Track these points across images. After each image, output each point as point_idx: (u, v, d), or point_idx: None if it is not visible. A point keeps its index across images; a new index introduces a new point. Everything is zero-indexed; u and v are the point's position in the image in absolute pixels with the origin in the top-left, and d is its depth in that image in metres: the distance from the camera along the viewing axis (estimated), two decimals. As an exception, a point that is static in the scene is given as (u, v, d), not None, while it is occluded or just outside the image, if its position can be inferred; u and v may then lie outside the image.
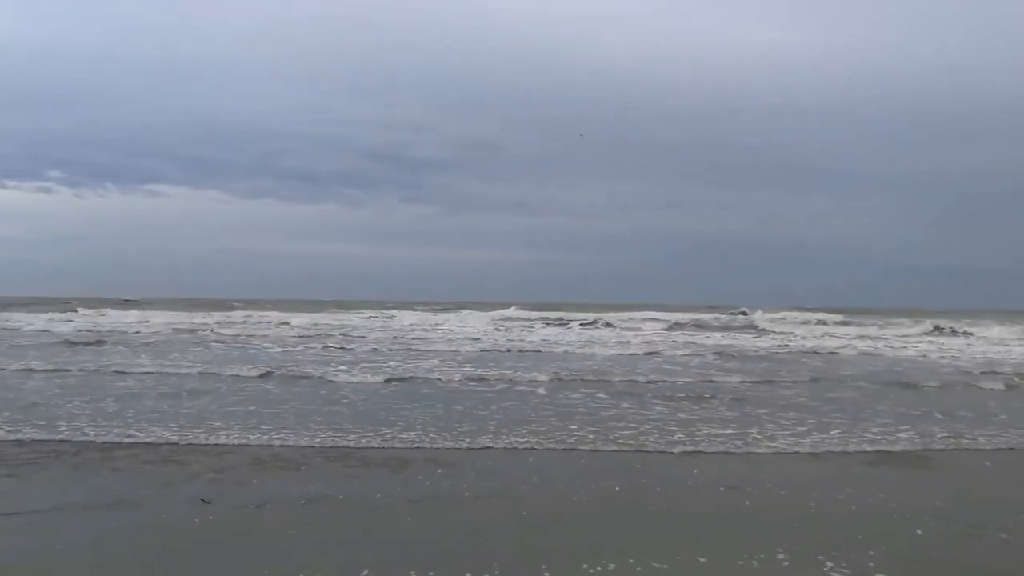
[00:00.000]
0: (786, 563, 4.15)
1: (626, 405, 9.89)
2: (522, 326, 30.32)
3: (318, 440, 7.45)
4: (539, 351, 18.46)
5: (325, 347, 18.60)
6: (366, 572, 3.96)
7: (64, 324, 27.41)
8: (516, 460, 6.79)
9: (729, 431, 8.11)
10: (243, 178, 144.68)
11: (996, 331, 27.24)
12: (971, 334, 26.71)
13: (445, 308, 43.56)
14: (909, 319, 34.58)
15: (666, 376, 13.18)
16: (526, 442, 7.43)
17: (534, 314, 36.39)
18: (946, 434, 8.16)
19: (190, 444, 7.23)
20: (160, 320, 30.00)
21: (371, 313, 36.99)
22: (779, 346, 21.35)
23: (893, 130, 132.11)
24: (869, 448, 7.46)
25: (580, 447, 7.31)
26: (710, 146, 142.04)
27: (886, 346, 21.87)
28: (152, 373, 12.55)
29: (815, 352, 19.47)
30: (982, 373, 14.18)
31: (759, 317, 35.37)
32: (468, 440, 7.51)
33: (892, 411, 9.61)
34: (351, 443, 7.35)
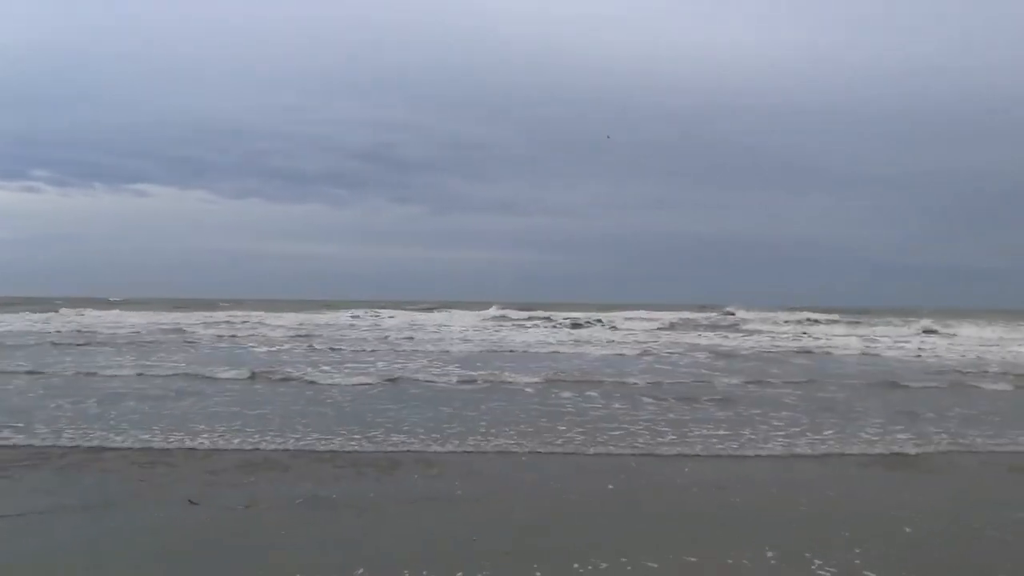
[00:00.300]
0: (774, 561, 4.18)
1: (617, 405, 9.89)
2: (512, 325, 30.32)
3: (306, 441, 7.38)
4: (528, 351, 18.42)
5: (311, 347, 18.46)
6: (361, 571, 3.95)
7: (44, 324, 27.03)
8: (507, 461, 6.78)
9: (721, 432, 8.14)
10: (230, 178, 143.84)
11: (989, 331, 27.59)
12: (954, 335, 27.02)
13: (433, 308, 43.43)
14: (905, 318, 34.90)
15: (657, 376, 13.20)
16: (516, 443, 7.41)
17: (523, 314, 36.37)
18: (937, 435, 8.23)
19: (176, 447, 7.14)
20: (143, 320, 29.70)
21: (358, 313, 36.81)
22: (774, 345, 21.51)
23: (893, 130, 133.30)
24: (858, 450, 7.51)
25: (570, 447, 7.30)
26: (709, 146, 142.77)
27: (879, 346, 22.04)
28: (134, 375, 12.33)
29: (805, 352, 19.60)
30: (973, 373, 14.33)
31: (751, 316, 35.61)
32: (458, 441, 7.47)
33: (881, 411, 9.68)
34: (339, 444, 7.29)
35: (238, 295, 69.26)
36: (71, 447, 7.05)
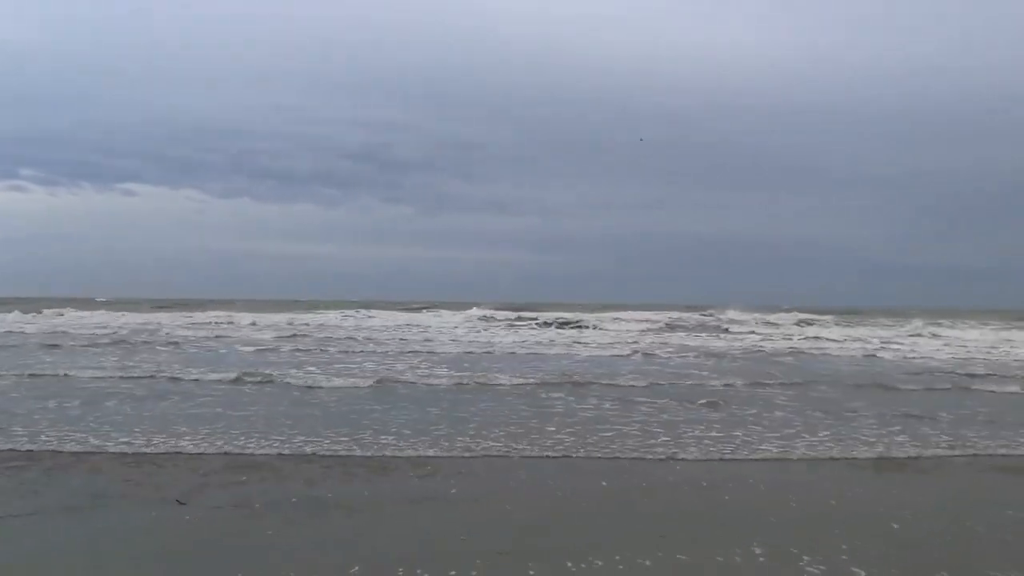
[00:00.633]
0: (763, 559, 4.21)
1: (608, 406, 9.86)
2: (506, 324, 30.26)
3: (293, 443, 7.31)
4: (518, 352, 18.37)
5: (298, 348, 18.30)
6: (356, 569, 3.95)
7: (28, 325, 26.65)
8: (499, 462, 6.75)
9: (713, 433, 8.13)
10: (219, 177, 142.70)
11: (989, 331, 27.86)
12: (952, 335, 27.13)
13: (424, 308, 43.29)
14: (903, 319, 35.10)
15: (648, 376, 13.18)
16: (506, 447, 7.37)
17: (513, 314, 36.32)
18: (933, 436, 8.27)
19: (161, 449, 7.05)
20: (127, 320, 29.34)
21: (348, 313, 36.60)
22: (762, 346, 21.61)
23: (893, 130, 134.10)
24: (850, 451, 7.54)
25: (561, 448, 7.28)
26: (709, 146, 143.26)
27: (870, 346, 22.19)
28: (116, 377, 12.13)
29: (797, 352, 19.69)
30: (966, 374, 14.45)
31: (746, 317, 35.69)
32: (449, 442, 7.42)
33: (872, 412, 9.71)
34: (328, 445, 7.23)
35: (227, 295, 68.62)
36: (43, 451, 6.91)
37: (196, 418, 8.49)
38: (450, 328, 27.92)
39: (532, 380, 12.26)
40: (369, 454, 6.90)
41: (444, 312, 37.69)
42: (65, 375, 12.03)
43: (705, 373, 14.14)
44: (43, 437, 7.39)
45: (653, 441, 7.63)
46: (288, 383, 11.55)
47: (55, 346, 17.97)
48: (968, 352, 20.50)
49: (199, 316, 33.26)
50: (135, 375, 12.21)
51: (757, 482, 6.11)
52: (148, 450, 6.95)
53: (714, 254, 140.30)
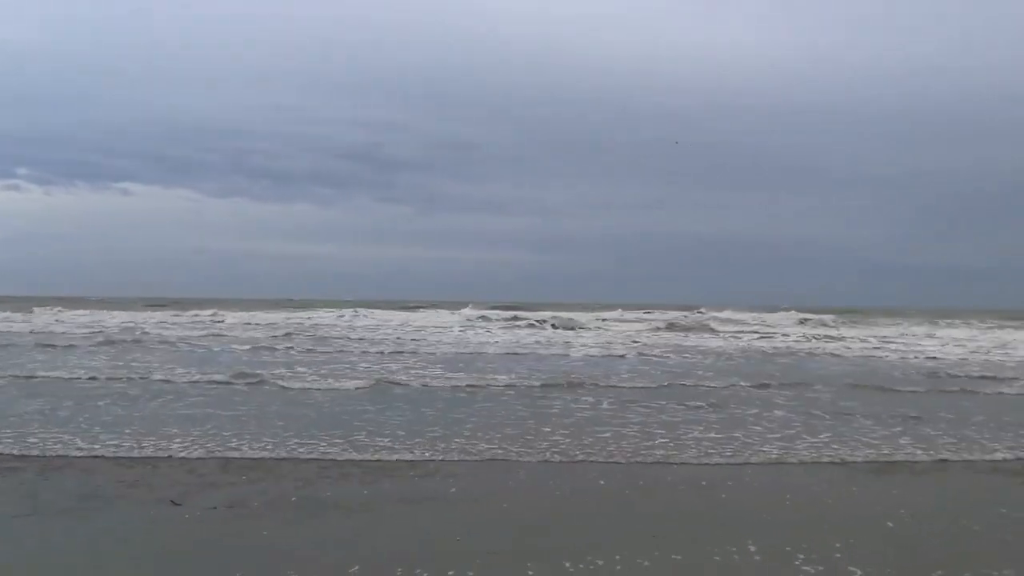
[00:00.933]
0: (759, 557, 4.22)
1: (605, 406, 9.81)
2: (501, 326, 30.16)
3: (288, 445, 7.24)
4: (515, 352, 18.30)
5: (292, 348, 18.18)
6: (356, 568, 3.94)
7: (19, 324, 26.47)
8: (498, 462, 6.71)
9: (712, 434, 8.09)
10: (215, 177, 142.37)
11: (987, 331, 27.90)
12: (951, 335, 27.10)
13: (419, 307, 43.18)
14: (902, 319, 35.13)
15: (644, 377, 13.14)
16: (504, 448, 7.32)
17: (508, 313, 36.24)
18: (932, 437, 8.23)
19: (153, 451, 6.98)
20: (120, 320, 29.16)
21: (343, 312, 36.45)
22: (757, 345, 21.57)
23: (893, 130, 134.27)
24: (849, 453, 7.51)
25: (559, 449, 7.23)
26: (709, 146, 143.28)
27: (867, 345, 22.19)
28: (106, 377, 11.95)
29: (791, 352, 19.68)
30: (966, 375, 14.41)
31: (743, 317, 35.73)
32: (446, 443, 7.35)
33: (869, 413, 9.67)
34: (324, 447, 7.17)
35: (222, 294, 68.50)
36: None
37: (188, 419, 8.41)
38: (448, 328, 27.80)
39: (530, 380, 12.20)
40: (366, 456, 6.84)
41: (442, 312, 37.56)
42: (56, 376, 11.90)
43: (705, 373, 14.09)
44: (32, 439, 7.28)
45: (651, 442, 7.58)
46: (281, 384, 11.43)
47: (49, 346, 17.81)
48: (968, 352, 20.49)
49: (194, 315, 33.05)
50: (126, 375, 12.09)
51: (755, 483, 6.12)
52: (140, 452, 6.87)
53: (714, 254, 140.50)
